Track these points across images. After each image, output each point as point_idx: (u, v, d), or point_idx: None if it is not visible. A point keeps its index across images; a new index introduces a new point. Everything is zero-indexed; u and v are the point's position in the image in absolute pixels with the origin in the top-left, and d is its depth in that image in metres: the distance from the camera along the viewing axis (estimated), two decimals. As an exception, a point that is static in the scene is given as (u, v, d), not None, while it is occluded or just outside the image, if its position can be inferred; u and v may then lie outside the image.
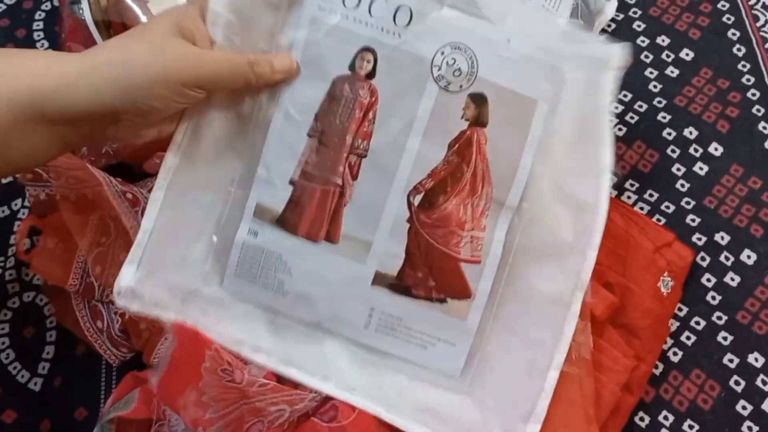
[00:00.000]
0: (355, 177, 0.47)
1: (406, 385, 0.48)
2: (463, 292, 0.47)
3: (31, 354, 0.59)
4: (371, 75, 0.45)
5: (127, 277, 0.46)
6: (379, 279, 0.47)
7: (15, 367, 0.58)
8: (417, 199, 0.47)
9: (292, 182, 0.47)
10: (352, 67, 0.46)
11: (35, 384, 0.58)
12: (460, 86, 0.45)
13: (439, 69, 0.45)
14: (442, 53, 0.45)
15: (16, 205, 0.64)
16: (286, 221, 0.47)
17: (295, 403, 0.46)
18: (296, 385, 0.48)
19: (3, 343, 0.59)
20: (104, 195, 0.54)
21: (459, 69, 0.45)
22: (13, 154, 0.41)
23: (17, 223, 0.63)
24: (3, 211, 0.64)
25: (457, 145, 0.46)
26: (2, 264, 0.62)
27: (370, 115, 0.46)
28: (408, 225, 0.47)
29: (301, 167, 0.47)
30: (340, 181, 0.47)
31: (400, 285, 0.47)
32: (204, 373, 0.47)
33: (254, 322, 0.48)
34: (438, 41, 0.45)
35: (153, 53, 0.41)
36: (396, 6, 0.45)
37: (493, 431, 0.47)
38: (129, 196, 0.54)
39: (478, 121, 0.46)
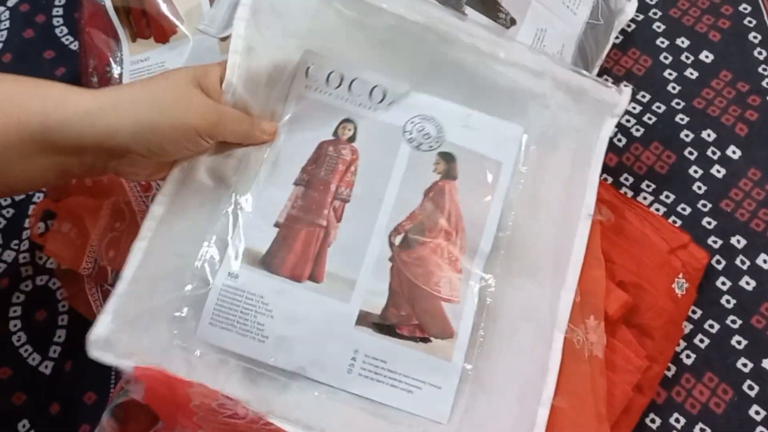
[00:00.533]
0: (339, 219, 0.49)
1: None
2: (445, 331, 0.47)
3: (43, 337, 0.59)
4: (352, 139, 0.51)
5: (102, 326, 0.45)
6: (363, 318, 0.47)
7: (26, 350, 0.59)
8: (398, 240, 0.49)
9: (277, 224, 0.48)
10: (335, 133, 0.51)
11: (46, 367, 0.58)
12: (430, 146, 0.51)
13: (411, 134, 0.51)
14: (412, 122, 0.51)
15: (31, 189, 0.64)
16: (270, 262, 0.47)
17: None
18: None
19: (15, 326, 0.59)
20: (119, 180, 0.54)
21: (428, 133, 0.51)
22: (8, 177, 0.41)
23: (32, 207, 0.63)
24: (18, 195, 0.64)
25: (431, 194, 0.50)
26: (16, 247, 0.62)
27: (352, 168, 0.50)
28: (390, 264, 0.48)
29: (287, 211, 0.48)
30: (324, 223, 0.48)
31: (384, 324, 0.47)
32: (197, 411, 0.45)
33: (229, 373, 0.46)
34: (408, 113, 0.51)
35: (178, 99, 0.43)
36: (372, 86, 0.51)
37: None
38: (142, 181, 0.54)
39: (449, 175, 0.50)
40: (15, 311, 0.60)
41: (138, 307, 0.46)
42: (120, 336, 0.45)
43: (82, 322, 0.58)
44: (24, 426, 0.56)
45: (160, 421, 0.49)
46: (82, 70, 0.65)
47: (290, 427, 0.45)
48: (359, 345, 0.46)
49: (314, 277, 0.47)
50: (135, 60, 0.61)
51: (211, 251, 0.47)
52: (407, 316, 0.47)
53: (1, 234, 0.62)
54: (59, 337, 0.59)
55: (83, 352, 0.58)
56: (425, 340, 0.47)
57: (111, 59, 0.62)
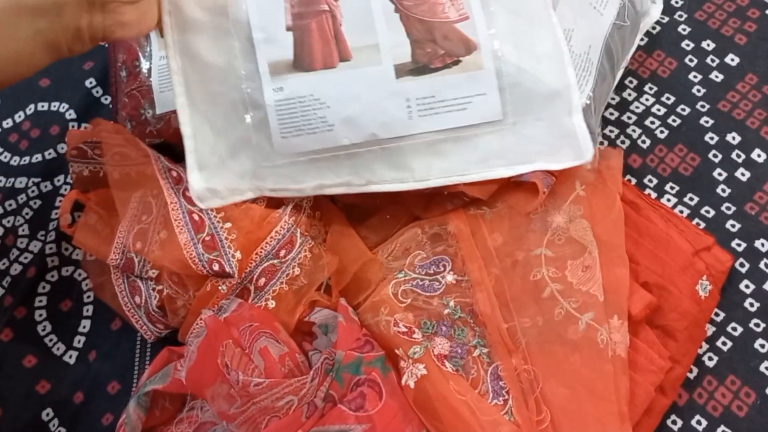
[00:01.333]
0: None
1: (466, 147, 0.53)
2: (468, 47, 0.52)
3: (68, 327, 0.60)
4: None
5: (196, 183, 0.51)
6: (399, 71, 0.51)
7: (51, 340, 0.59)
8: None
9: (288, 28, 0.51)
10: None
11: (70, 357, 0.59)
12: None
13: None
14: None
15: (58, 180, 0.65)
16: (301, 63, 0.51)
17: (298, 391, 0.47)
18: (292, 373, 0.49)
19: (41, 316, 0.60)
20: (148, 173, 0.55)
21: None
22: None
23: (59, 198, 0.64)
24: (46, 186, 0.65)
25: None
26: (42, 238, 0.63)
27: None
28: (398, 14, 0.52)
29: (290, 12, 0.51)
30: (326, 7, 0.51)
31: (418, 67, 0.51)
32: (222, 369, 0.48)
33: (318, 170, 0.53)
34: None
35: None
36: None
37: (545, 144, 0.53)
38: (174, 174, 0.55)
39: None
40: (41, 301, 0.61)
41: (214, 154, 0.52)
42: (214, 181, 0.52)
43: (107, 313, 0.59)
44: (48, 414, 0.57)
45: (185, 407, 0.50)
46: (111, 64, 0.66)
47: (388, 185, 0.53)
48: (407, 93, 0.52)
49: (343, 57, 0.51)
50: (164, 55, 0.62)
51: (246, 79, 0.51)
52: (432, 51, 0.51)
53: (28, 225, 0.63)
54: (84, 327, 0.60)
55: (107, 342, 0.59)
56: (456, 62, 0.52)
57: (140, 54, 0.63)
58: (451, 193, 0.56)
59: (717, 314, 0.57)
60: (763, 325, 0.57)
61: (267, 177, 0.53)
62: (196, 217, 0.52)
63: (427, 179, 0.53)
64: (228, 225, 0.53)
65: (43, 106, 0.68)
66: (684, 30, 0.69)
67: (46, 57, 0.44)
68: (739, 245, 0.60)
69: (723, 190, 0.62)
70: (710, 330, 0.57)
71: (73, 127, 0.67)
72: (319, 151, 0.52)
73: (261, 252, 0.53)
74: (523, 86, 0.53)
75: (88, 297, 0.61)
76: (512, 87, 0.52)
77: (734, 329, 0.57)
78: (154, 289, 0.55)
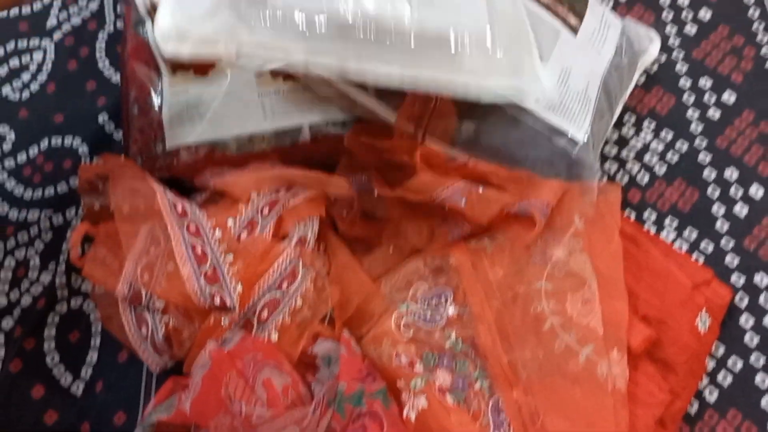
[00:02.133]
0: None
1: None
2: None
3: (76, 358, 0.61)
4: None
5: (165, 18, 0.44)
6: None
7: (59, 370, 0.60)
8: None
9: None
10: None
11: (77, 387, 0.59)
12: None
13: None
14: None
15: (70, 213, 0.66)
16: None
17: (301, 422, 0.47)
18: (295, 404, 0.49)
19: (49, 346, 0.61)
20: (156, 206, 0.57)
21: None
22: None
23: (70, 231, 0.65)
24: (57, 219, 0.66)
25: None
26: (53, 270, 0.64)
27: None
28: None
29: None
30: None
31: None
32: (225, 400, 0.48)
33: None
34: None
35: None
36: None
37: None
38: (179, 208, 0.56)
39: None
40: (50, 332, 0.62)
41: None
42: (185, 23, 0.45)
43: (114, 345, 0.60)
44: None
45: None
46: (123, 100, 0.67)
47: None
48: None
49: None
50: (175, 92, 0.64)
51: None
52: None
53: (39, 257, 0.65)
54: (91, 358, 0.61)
55: (114, 373, 0.60)
56: None
57: (152, 91, 0.65)
58: (452, 224, 0.57)
59: (717, 348, 0.58)
60: (763, 359, 0.57)
61: (250, 33, 0.45)
62: (199, 251, 0.54)
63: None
64: (230, 257, 0.54)
65: (56, 141, 0.70)
66: (681, 68, 0.70)
67: None
68: (738, 280, 0.60)
69: (722, 225, 0.63)
70: (711, 364, 0.57)
71: (85, 161, 0.69)
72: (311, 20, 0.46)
73: (263, 284, 0.54)
74: None
75: (96, 328, 0.62)
76: None
77: (735, 364, 0.57)
78: (160, 321, 0.56)
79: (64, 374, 0.60)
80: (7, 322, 0.62)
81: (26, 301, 0.63)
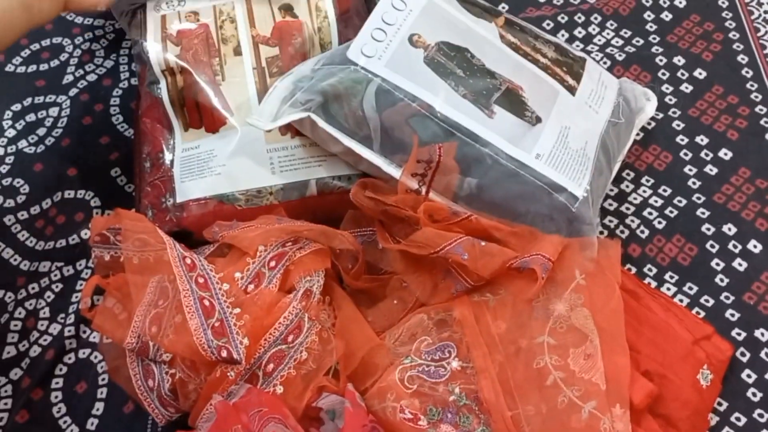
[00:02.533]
0: None
1: None
2: None
3: (82, 409, 0.61)
4: None
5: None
6: None
7: (65, 422, 0.61)
8: None
9: None
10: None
11: (82, 439, 0.60)
12: None
13: None
14: None
15: (80, 265, 0.68)
16: None
17: None
18: None
19: (56, 397, 0.62)
20: (165, 259, 0.58)
21: None
22: None
23: (80, 282, 0.67)
24: (68, 270, 0.67)
25: None
26: (62, 321, 0.65)
27: None
28: None
29: None
30: None
31: None
32: None
33: None
34: None
35: None
36: None
37: None
38: (188, 261, 0.58)
39: None
40: (57, 383, 0.62)
41: None
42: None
43: (120, 395, 0.61)
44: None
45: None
46: (135, 155, 0.70)
47: None
48: None
49: None
50: (186, 147, 0.66)
51: None
52: None
53: (49, 308, 0.66)
54: (97, 409, 0.61)
55: (119, 424, 0.60)
56: None
57: (164, 146, 0.67)
58: (456, 278, 0.58)
59: (720, 404, 0.58)
60: (766, 415, 0.57)
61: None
62: (207, 303, 0.55)
63: None
64: (237, 311, 0.55)
65: (69, 194, 0.71)
66: (678, 125, 0.72)
67: (23, 17, 0.52)
68: (739, 334, 0.61)
69: (721, 280, 0.63)
70: (714, 420, 0.57)
71: (97, 213, 0.71)
72: None
73: (270, 338, 0.55)
74: None
75: (103, 380, 0.62)
76: None
77: (738, 419, 0.57)
78: (167, 373, 0.57)
79: (70, 426, 0.60)
80: (16, 373, 0.62)
81: (35, 351, 0.63)
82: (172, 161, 0.66)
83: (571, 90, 0.64)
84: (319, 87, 0.60)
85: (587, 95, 0.64)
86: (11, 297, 0.66)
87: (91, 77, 0.78)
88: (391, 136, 0.60)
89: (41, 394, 0.61)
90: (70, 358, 0.63)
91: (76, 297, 0.66)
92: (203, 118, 0.66)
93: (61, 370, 0.63)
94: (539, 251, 0.57)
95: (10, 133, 0.75)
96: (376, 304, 0.62)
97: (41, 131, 0.75)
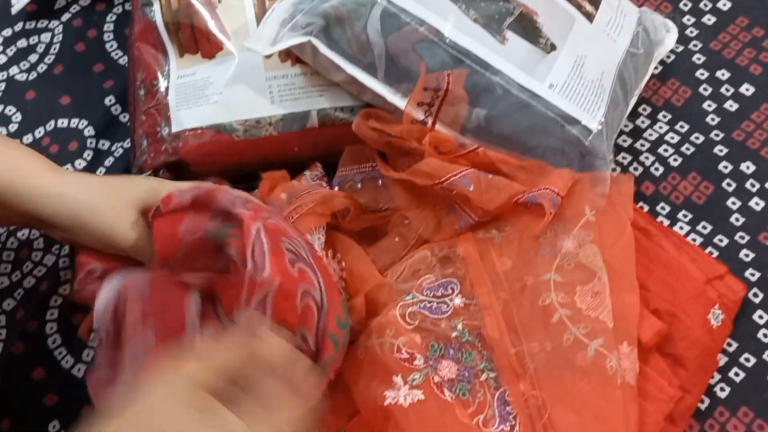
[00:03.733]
0: None
1: None
2: None
3: (78, 341, 0.60)
4: None
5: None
6: None
7: (60, 353, 0.60)
8: None
9: None
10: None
11: (78, 370, 0.59)
12: None
13: None
14: None
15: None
16: None
17: None
18: None
19: (51, 329, 0.61)
20: None
21: None
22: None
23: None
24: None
25: None
26: (57, 252, 0.63)
27: None
28: None
29: None
30: None
31: None
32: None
33: None
34: None
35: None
36: None
37: None
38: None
39: None
40: (52, 314, 0.61)
41: None
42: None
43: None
44: (54, 426, 0.57)
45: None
46: (129, 83, 0.67)
47: None
48: None
49: None
50: (181, 74, 0.63)
51: None
52: None
53: (43, 239, 0.64)
54: (93, 340, 0.60)
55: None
56: None
57: (158, 73, 0.64)
58: (460, 214, 0.56)
59: (729, 344, 0.56)
60: (777, 356, 0.56)
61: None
62: None
63: None
64: None
65: (63, 123, 0.69)
66: (699, 59, 0.69)
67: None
68: (752, 275, 0.59)
69: (737, 219, 0.61)
70: (722, 360, 0.56)
71: (91, 143, 0.68)
72: None
73: None
74: None
75: (99, 311, 0.61)
76: None
77: (747, 360, 0.56)
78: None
79: (65, 356, 0.60)
80: (9, 303, 0.61)
81: (29, 282, 0.62)
82: (167, 89, 0.64)
83: (589, 17, 0.60)
84: (320, 9, 0.57)
85: (605, 23, 0.61)
86: (2, 227, 0.64)
87: (84, 2, 0.75)
88: (397, 64, 0.57)
89: (36, 326, 0.61)
90: (65, 290, 0.62)
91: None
92: (199, 42, 0.63)
93: (55, 301, 0.62)
94: (548, 185, 0.54)
95: (1, 59, 0.73)
96: (378, 241, 0.60)
97: (33, 58, 0.72)
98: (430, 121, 0.57)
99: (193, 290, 0.46)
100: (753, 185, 0.62)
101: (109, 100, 0.70)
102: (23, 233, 0.64)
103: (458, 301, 0.55)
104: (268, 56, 0.62)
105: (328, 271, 0.51)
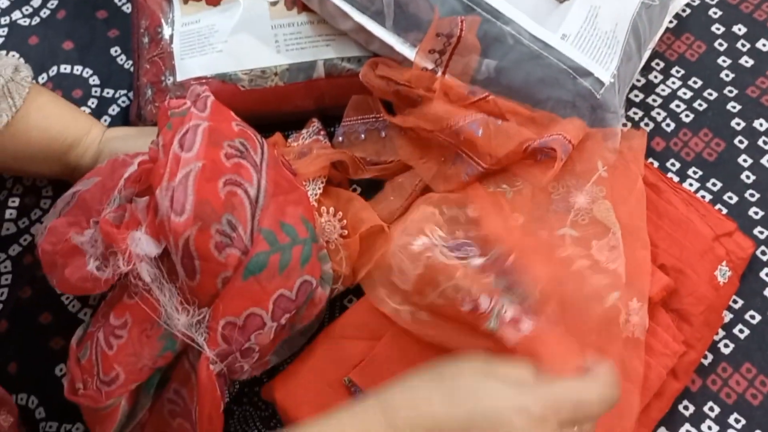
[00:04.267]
0: None
1: None
2: None
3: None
4: None
5: None
6: None
7: (67, 297, 0.60)
8: None
9: None
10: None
11: (85, 314, 0.59)
12: None
13: None
14: None
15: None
16: None
17: None
18: None
19: (57, 275, 0.61)
20: None
21: None
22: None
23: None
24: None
25: None
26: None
27: None
28: None
29: None
30: None
31: None
32: None
33: None
34: None
35: None
36: None
37: None
38: None
39: None
40: (57, 260, 0.61)
41: None
42: None
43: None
44: (61, 370, 0.58)
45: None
46: (133, 30, 0.66)
47: None
48: None
49: None
50: (186, 22, 0.62)
51: None
52: None
53: (52, 187, 0.64)
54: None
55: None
56: None
57: (162, 20, 0.63)
58: (466, 163, 0.55)
59: (735, 301, 0.56)
60: (782, 314, 0.56)
61: None
62: None
63: None
64: None
65: (65, 68, 0.68)
66: (715, 13, 0.67)
67: None
68: (761, 233, 0.58)
69: (747, 177, 0.60)
70: (728, 317, 0.56)
71: (95, 92, 0.67)
72: None
73: None
74: None
75: (105, 258, 0.61)
76: None
77: (752, 317, 0.56)
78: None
79: (72, 301, 0.60)
80: (14, 249, 0.61)
81: (37, 229, 0.62)
82: (171, 36, 0.62)
83: (604, -35, 0.58)
84: (328, -46, 0.55)
85: (621, -28, 0.59)
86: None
87: (87, -55, 0.73)
88: (406, 12, 0.56)
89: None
90: (71, 237, 0.62)
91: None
92: (204, -13, 0.62)
93: (62, 248, 0.62)
94: (560, 132, 0.53)
95: (3, 3, 0.71)
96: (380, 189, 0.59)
97: (36, 2, 0.71)
98: (440, 71, 0.56)
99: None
100: (765, 142, 0.61)
101: (115, 50, 0.69)
102: (29, 180, 0.64)
103: (477, 262, 0.53)
104: (274, 3, 0.61)
105: (290, 183, 0.50)
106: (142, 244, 0.45)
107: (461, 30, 0.53)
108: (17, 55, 0.68)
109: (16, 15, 0.70)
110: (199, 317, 0.45)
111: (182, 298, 0.46)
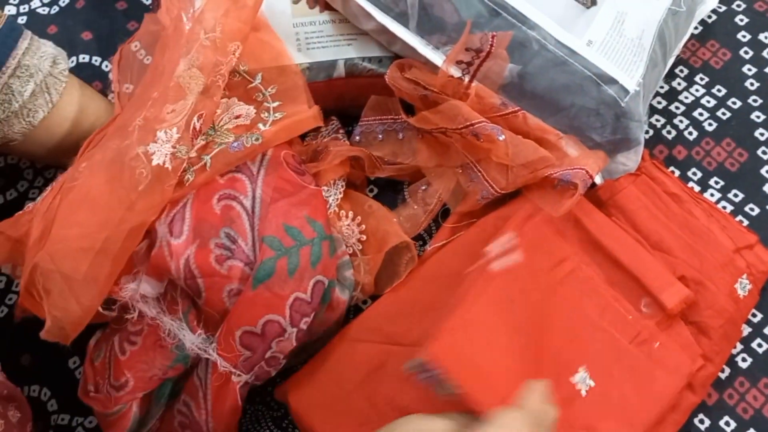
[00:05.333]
0: None
1: None
2: None
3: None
4: None
5: None
6: None
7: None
8: None
9: None
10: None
11: (101, 308, 0.59)
12: None
13: None
14: None
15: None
16: None
17: None
18: None
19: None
20: None
21: None
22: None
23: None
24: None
25: None
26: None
27: None
28: None
29: None
30: None
31: None
32: None
33: None
34: None
35: None
36: None
37: None
38: None
39: None
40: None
41: None
42: None
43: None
44: (74, 363, 0.58)
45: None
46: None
47: None
48: None
49: None
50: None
51: None
52: None
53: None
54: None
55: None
56: None
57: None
58: (481, 182, 0.54)
59: (755, 315, 0.56)
60: (801, 329, 0.55)
61: None
62: None
63: None
64: None
65: (84, 58, 0.68)
66: (741, 20, 0.66)
67: None
68: (783, 246, 0.58)
69: (770, 189, 0.60)
70: (746, 330, 0.55)
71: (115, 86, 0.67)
72: None
73: None
74: None
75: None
76: None
77: (771, 332, 0.56)
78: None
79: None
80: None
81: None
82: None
83: (631, -29, 0.58)
84: (353, -47, 0.55)
85: (648, -22, 0.58)
86: (26, 164, 0.64)
87: (107, -66, 0.73)
88: (430, 14, 0.55)
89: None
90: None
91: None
92: (227, -18, 0.61)
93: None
94: (584, 166, 0.52)
95: (23, -8, 0.71)
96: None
97: (55, -9, 0.71)
98: (467, 79, 0.55)
99: None
100: (789, 154, 0.61)
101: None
102: (50, 172, 0.64)
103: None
104: (296, 1, 0.60)
105: (295, 185, 0.50)
106: (141, 287, 0.46)
107: (492, 46, 0.52)
108: (52, 43, 0.68)
109: (35, 3, 0.70)
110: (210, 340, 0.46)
111: (195, 319, 0.46)
